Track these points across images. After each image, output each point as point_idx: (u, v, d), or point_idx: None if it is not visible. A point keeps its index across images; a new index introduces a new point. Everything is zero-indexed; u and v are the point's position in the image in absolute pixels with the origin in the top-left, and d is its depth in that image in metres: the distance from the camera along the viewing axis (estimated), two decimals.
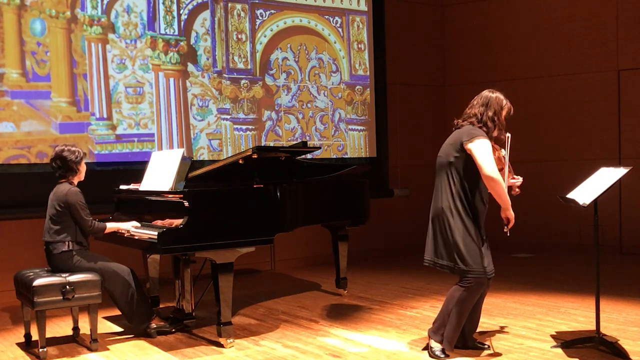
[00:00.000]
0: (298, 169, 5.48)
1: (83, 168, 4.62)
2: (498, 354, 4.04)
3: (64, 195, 4.43)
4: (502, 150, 4.02)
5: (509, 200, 3.90)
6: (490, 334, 4.51)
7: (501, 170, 3.95)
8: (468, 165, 3.87)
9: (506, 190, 3.92)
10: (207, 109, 7.26)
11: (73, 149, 4.57)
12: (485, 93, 4.03)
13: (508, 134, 4.01)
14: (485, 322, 4.79)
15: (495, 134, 3.95)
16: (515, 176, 4.15)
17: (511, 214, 3.93)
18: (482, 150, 3.81)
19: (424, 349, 4.12)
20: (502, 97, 4.00)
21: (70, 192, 4.44)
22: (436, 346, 3.96)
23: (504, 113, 3.98)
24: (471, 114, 3.99)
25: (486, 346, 4.13)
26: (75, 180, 4.59)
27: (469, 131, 3.90)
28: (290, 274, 7.30)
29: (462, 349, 4.08)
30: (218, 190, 4.49)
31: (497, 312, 5.16)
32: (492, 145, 3.94)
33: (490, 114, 3.94)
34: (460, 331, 4.09)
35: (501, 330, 4.64)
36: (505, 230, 3.98)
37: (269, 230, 4.57)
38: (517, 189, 4.17)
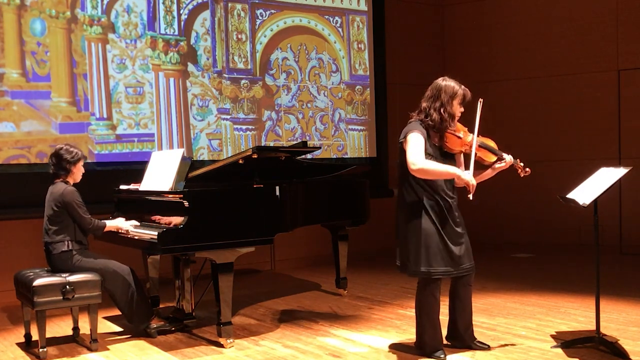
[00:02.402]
0: (298, 169, 5.48)
1: (78, 170, 4.58)
2: (499, 354, 4.04)
3: (60, 195, 4.43)
4: (469, 135, 3.90)
5: (454, 169, 3.75)
6: (490, 334, 4.50)
7: (467, 155, 3.87)
8: None
9: (473, 159, 3.81)
10: (207, 109, 7.26)
11: (72, 149, 4.55)
12: (437, 82, 3.93)
13: (480, 99, 3.91)
14: (485, 322, 4.79)
15: (445, 124, 3.83)
16: (502, 154, 3.97)
17: (465, 179, 3.74)
18: (408, 148, 3.74)
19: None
20: (453, 84, 3.88)
21: (66, 191, 4.44)
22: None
23: (455, 102, 3.86)
24: (422, 107, 3.91)
25: (487, 346, 4.13)
26: (70, 181, 4.57)
27: (406, 129, 3.86)
28: (290, 274, 7.30)
29: (462, 348, 4.08)
30: (218, 190, 4.49)
31: (497, 312, 5.15)
32: (452, 133, 3.84)
33: (437, 105, 3.83)
34: (455, 330, 4.10)
35: (501, 330, 4.63)
36: (468, 196, 3.79)
37: (269, 230, 4.57)
38: (526, 169, 4.00)
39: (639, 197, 7.83)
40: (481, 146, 3.94)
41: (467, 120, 4.04)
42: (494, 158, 3.97)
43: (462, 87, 3.90)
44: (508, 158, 3.97)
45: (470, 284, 4.04)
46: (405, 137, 3.82)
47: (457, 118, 3.91)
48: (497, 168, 4.00)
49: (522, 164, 4.04)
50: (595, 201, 3.95)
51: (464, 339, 4.10)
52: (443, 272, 3.81)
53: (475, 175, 3.87)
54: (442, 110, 3.83)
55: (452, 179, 3.87)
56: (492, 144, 4.01)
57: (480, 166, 4.00)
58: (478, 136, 3.95)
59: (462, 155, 4.01)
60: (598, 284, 4.05)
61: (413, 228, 3.81)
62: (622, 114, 8.10)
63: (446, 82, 3.90)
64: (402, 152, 3.85)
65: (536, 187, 8.18)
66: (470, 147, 3.87)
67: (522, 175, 4.06)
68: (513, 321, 4.87)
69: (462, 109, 3.92)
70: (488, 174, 4.03)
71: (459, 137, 3.88)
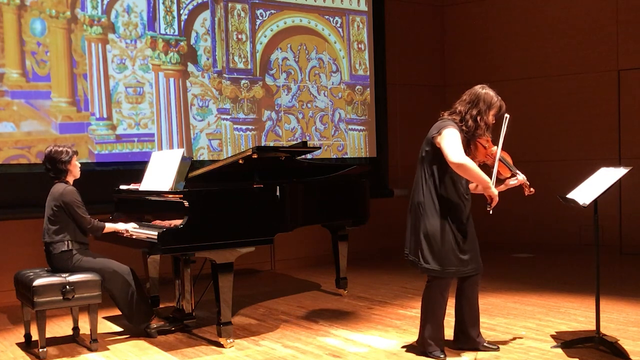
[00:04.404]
0: (298, 169, 5.48)
1: (74, 167, 4.58)
2: (499, 355, 4.04)
3: (60, 195, 4.43)
4: (494, 147, 3.94)
5: (488, 179, 3.79)
6: (490, 334, 4.50)
7: (487, 166, 3.93)
8: (439, 159, 3.81)
9: (495, 170, 3.86)
10: (207, 109, 7.26)
11: (60, 149, 4.53)
12: (476, 89, 3.92)
13: (507, 115, 3.93)
14: (486, 322, 4.79)
15: (479, 132, 3.86)
16: (517, 172, 4.06)
17: (493, 192, 3.81)
18: (447, 139, 3.72)
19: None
20: (492, 94, 3.88)
21: (65, 191, 4.44)
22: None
23: (492, 112, 3.86)
24: (457, 109, 3.91)
25: (496, 347, 4.12)
26: (70, 179, 4.57)
27: (439, 124, 3.85)
28: (290, 274, 7.30)
29: (471, 350, 4.08)
30: (218, 190, 4.49)
31: (497, 312, 5.15)
32: (480, 141, 3.88)
33: (474, 112, 3.84)
34: (462, 331, 4.09)
35: (501, 330, 4.63)
36: (488, 209, 3.87)
37: (269, 230, 4.57)
38: (531, 189, 4.09)
39: (639, 197, 7.83)
40: (501, 160, 3.97)
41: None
42: (509, 174, 4.05)
43: (500, 98, 3.91)
44: (521, 177, 4.05)
45: (478, 283, 4.05)
46: (439, 132, 3.78)
47: (490, 129, 3.94)
48: (510, 185, 4.06)
49: (528, 184, 4.11)
50: (595, 201, 3.95)
51: (472, 340, 4.08)
52: (455, 271, 3.82)
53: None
54: (478, 119, 3.84)
55: (468, 182, 3.91)
56: (509, 159, 4.07)
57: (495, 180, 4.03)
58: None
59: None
60: (598, 284, 4.05)
61: (433, 224, 3.79)
62: (622, 114, 8.10)
63: (486, 91, 3.90)
64: (433, 147, 3.82)
65: (536, 187, 8.14)
66: (492, 157, 3.93)
67: (526, 194, 4.12)
68: (513, 321, 4.87)
69: (494, 120, 3.94)
70: (500, 188, 4.04)
71: (484, 147, 3.92)
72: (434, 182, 3.84)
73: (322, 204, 5.34)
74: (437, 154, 3.82)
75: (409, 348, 4.22)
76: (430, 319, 3.92)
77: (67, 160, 4.52)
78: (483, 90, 3.90)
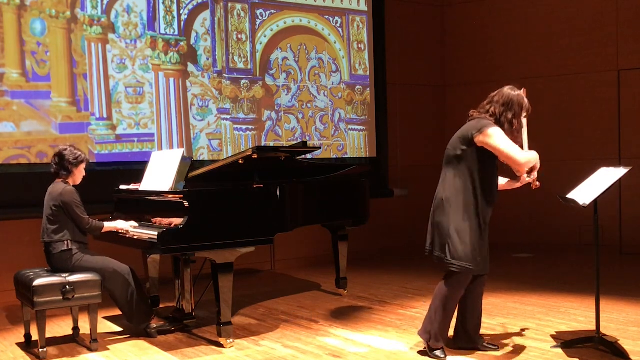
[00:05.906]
0: (298, 169, 5.48)
1: (79, 172, 4.59)
2: (499, 355, 4.04)
3: (59, 195, 4.43)
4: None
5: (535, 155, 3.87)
6: (490, 334, 4.50)
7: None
8: (476, 159, 3.81)
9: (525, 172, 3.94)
10: (207, 109, 7.26)
11: (76, 151, 4.57)
12: (506, 91, 3.90)
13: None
14: (486, 322, 4.78)
15: (514, 134, 3.88)
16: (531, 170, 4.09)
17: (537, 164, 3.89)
18: (499, 139, 3.74)
19: (423, 349, 4.12)
20: (523, 95, 3.91)
21: (64, 191, 4.44)
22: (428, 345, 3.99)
23: (523, 114, 3.89)
24: (490, 111, 3.88)
25: (495, 347, 4.12)
26: (70, 182, 4.57)
27: (476, 124, 3.83)
28: (290, 274, 7.30)
29: (470, 349, 4.08)
30: (218, 190, 4.49)
31: (497, 312, 5.16)
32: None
33: (509, 116, 3.84)
34: (463, 330, 4.09)
35: (501, 330, 4.63)
36: (526, 177, 3.92)
37: (269, 230, 4.57)
38: (537, 183, 4.08)
39: (639, 197, 7.83)
40: None
41: None
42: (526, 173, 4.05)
43: (527, 100, 3.94)
44: (534, 173, 4.03)
45: (485, 283, 4.06)
46: (481, 131, 3.77)
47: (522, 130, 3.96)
48: (525, 181, 4.05)
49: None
50: (595, 201, 3.95)
51: (472, 340, 4.08)
52: (479, 269, 3.83)
53: (507, 184, 4.10)
54: (515, 121, 3.86)
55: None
56: None
57: (515, 176, 4.05)
58: None
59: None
60: (598, 284, 4.05)
61: (461, 221, 3.79)
62: (622, 114, 8.10)
63: (517, 93, 3.91)
64: (472, 146, 3.80)
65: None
66: None
67: (533, 188, 4.10)
68: (513, 321, 4.87)
69: None
70: (516, 185, 4.08)
71: None
72: (469, 180, 3.82)
73: (322, 204, 5.34)
74: (476, 153, 3.81)
75: (409, 348, 4.22)
76: (442, 314, 3.90)
77: (75, 163, 4.53)
78: (514, 92, 3.91)
